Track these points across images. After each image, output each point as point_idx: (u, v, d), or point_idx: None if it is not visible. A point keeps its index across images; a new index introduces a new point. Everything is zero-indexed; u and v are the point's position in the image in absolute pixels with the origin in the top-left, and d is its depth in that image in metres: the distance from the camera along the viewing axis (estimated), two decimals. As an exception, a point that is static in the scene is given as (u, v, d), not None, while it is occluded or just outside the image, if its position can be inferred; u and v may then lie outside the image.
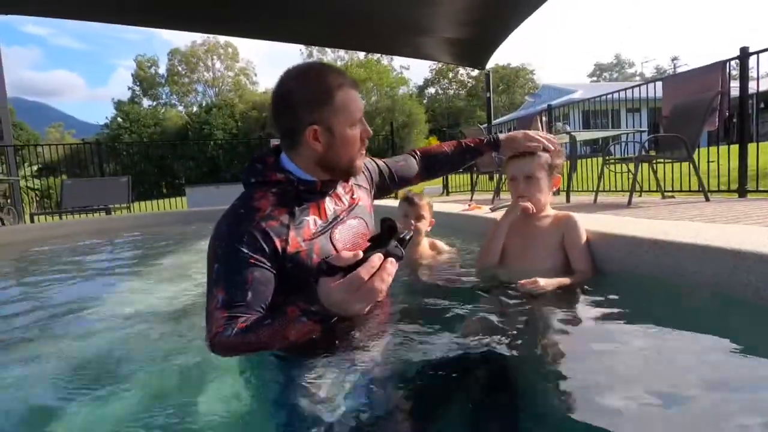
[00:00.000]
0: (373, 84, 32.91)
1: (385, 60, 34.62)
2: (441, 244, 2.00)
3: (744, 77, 3.50)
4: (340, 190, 1.14)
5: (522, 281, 1.24)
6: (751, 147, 3.56)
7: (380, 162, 1.39)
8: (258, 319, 0.89)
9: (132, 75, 41.89)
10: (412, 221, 1.86)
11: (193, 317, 1.41)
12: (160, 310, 1.64)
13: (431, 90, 44.64)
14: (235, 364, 1.00)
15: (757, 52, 3.44)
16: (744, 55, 3.46)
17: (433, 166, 1.48)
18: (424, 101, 40.46)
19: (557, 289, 1.25)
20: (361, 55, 33.28)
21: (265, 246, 0.94)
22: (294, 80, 1.01)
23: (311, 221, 1.03)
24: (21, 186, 6.92)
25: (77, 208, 6.40)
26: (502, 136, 1.48)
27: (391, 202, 2.37)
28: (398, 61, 37.57)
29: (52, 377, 1.08)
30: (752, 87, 3.71)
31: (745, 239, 1.01)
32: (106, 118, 37.98)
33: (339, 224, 1.08)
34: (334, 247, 1.04)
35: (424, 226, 1.90)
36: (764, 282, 0.91)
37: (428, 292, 1.44)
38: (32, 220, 6.22)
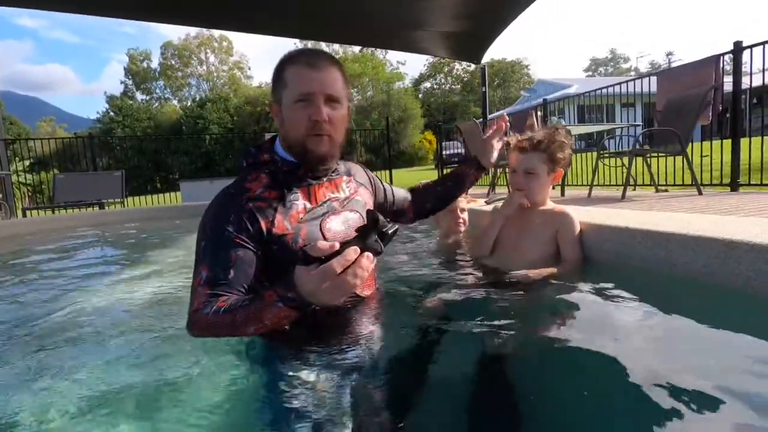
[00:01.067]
0: (369, 79, 32.77)
1: (379, 54, 34.46)
2: None
3: (737, 72, 3.52)
4: (341, 180, 1.14)
5: (514, 272, 1.26)
6: (744, 141, 3.59)
7: (381, 181, 1.38)
8: (236, 300, 0.90)
9: (124, 69, 41.50)
10: (459, 214, 1.96)
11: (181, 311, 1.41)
12: (151, 304, 1.64)
13: (427, 84, 44.55)
14: (226, 358, 1.00)
15: (750, 47, 3.45)
16: (737, 49, 3.48)
17: (423, 198, 1.45)
18: (420, 96, 40.35)
19: (548, 279, 1.27)
20: (356, 49, 33.08)
21: (250, 226, 0.96)
22: None
23: (300, 205, 1.03)
24: (13, 181, 6.84)
25: (70, 203, 6.35)
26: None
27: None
28: (394, 56, 37.45)
29: (38, 374, 1.07)
30: (746, 82, 3.74)
31: (735, 230, 1.02)
32: (98, 112, 37.59)
33: (332, 214, 1.08)
34: (324, 235, 1.03)
35: (467, 217, 2.01)
36: (754, 271, 0.92)
37: (423, 283, 1.44)
38: (24, 215, 6.16)
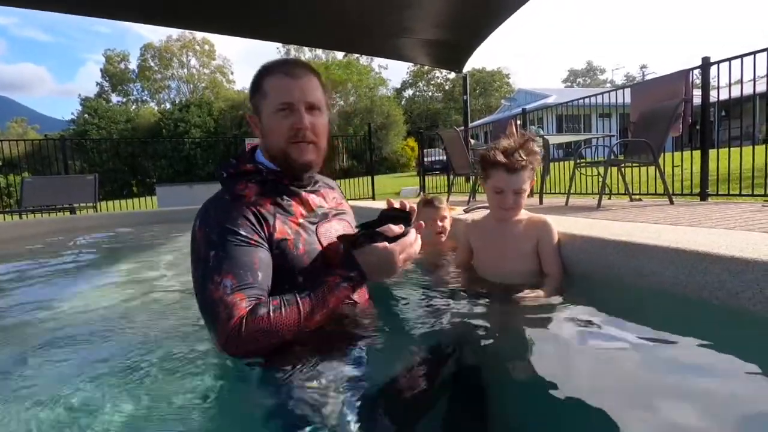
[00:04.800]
0: (353, 85, 32.84)
1: (363, 60, 34.60)
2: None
3: (705, 86, 3.66)
4: (326, 192, 1.18)
5: (521, 295, 1.22)
6: (713, 153, 3.72)
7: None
8: (288, 295, 0.88)
9: (101, 70, 40.51)
10: (439, 223, 1.99)
11: (159, 322, 1.36)
12: (120, 314, 1.58)
13: (409, 92, 44.95)
14: (223, 372, 0.96)
15: (718, 62, 3.60)
16: (705, 64, 3.62)
17: None
18: (402, 103, 40.64)
19: (519, 287, 1.28)
20: (340, 55, 33.16)
21: (259, 229, 0.96)
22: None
23: (297, 212, 1.05)
24: (-22, 183, 6.56)
25: (40, 207, 6.11)
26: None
27: (374, 204, 2.36)
28: (376, 61, 37.65)
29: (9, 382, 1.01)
30: (716, 95, 3.88)
31: (703, 241, 1.04)
32: (72, 114, 36.48)
33: (326, 222, 1.11)
34: (319, 241, 1.05)
35: (448, 225, 2.02)
36: (719, 283, 0.94)
37: (414, 293, 1.43)
38: (-11, 220, 5.90)
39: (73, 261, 3.08)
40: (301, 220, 1.04)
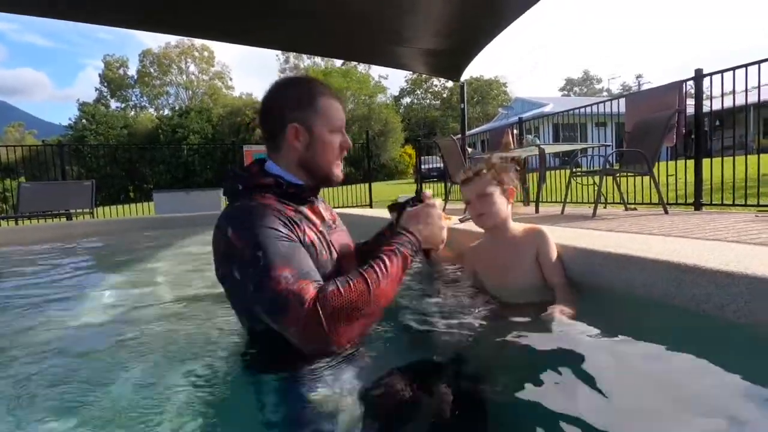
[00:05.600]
0: (352, 93, 33.01)
1: (361, 68, 34.82)
2: None
3: (698, 97, 3.71)
4: (323, 204, 1.21)
5: (547, 314, 1.18)
6: (707, 162, 3.77)
7: None
8: (353, 271, 0.92)
9: (99, 75, 40.65)
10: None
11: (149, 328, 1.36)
12: (118, 323, 1.58)
13: (407, 99, 45.22)
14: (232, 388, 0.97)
15: (710, 74, 3.66)
16: (698, 76, 3.68)
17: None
18: (401, 110, 40.86)
19: (528, 304, 1.29)
20: (338, 62, 33.37)
21: (294, 229, 0.98)
22: (283, 86, 1.11)
23: (315, 221, 1.10)
24: (-26, 189, 6.55)
25: (37, 213, 6.10)
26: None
27: (370, 212, 2.36)
28: (376, 70, 37.92)
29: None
30: (708, 105, 3.93)
31: (691, 253, 1.06)
32: (70, 119, 36.43)
33: (334, 231, 1.16)
34: (334, 249, 1.10)
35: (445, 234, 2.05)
36: (706, 295, 0.95)
37: (408, 301, 1.44)
38: (-15, 225, 5.88)
39: (68, 267, 3.07)
40: (321, 228, 1.09)
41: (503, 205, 1.44)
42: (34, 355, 1.27)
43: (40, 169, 8.02)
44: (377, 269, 0.92)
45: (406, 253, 0.98)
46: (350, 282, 0.88)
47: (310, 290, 0.86)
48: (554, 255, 1.39)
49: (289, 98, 1.07)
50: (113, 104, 39.72)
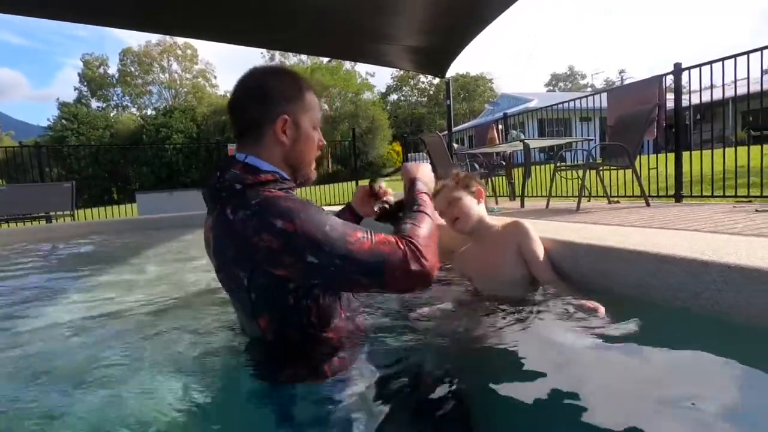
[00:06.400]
0: (339, 90, 32.83)
1: (347, 65, 34.66)
2: None
3: (678, 90, 3.78)
4: None
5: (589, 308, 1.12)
6: (687, 155, 3.84)
7: None
8: (402, 221, 0.98)
9: (79, 75, 39.70)
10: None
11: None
12: (102, 327, 1.55)
13: (394, 96, 45.18)
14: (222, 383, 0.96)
15: (689, 68, 3.72)
16: (677, 70, 3.74)
17: None
18: (388, 107, 40.80)
19: (514, 299, 1.30)
20: (324, 59, 33.11)
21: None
22: (269, 75, 1.03)
23: None
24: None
25: (14, 216, 5.95)
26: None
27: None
28: (363, 68, 37.76)
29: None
30: (693, 100, 4.01)
31: (666, 243, 1.08)
32: (48, 120, 35.54)
33: None
34: None
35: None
36: (681, 284, 0.97)
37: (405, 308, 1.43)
38: (-39, 230, 5.70)
39: (47, 271, 3.00)
40: None
41: (474, 206, 1.50)
42: (26, 357, 1.25)
43: (18, 171, 7.82)
44: (419, 215, 0.99)
45: (426, 200, 1.07)
46: (414, 219, 0.97)
47: (390, 237, 0.90)
48: (537, 247, 1.39)
49: (280, 88, 0.99)
50: (94, 104, 38.84)
